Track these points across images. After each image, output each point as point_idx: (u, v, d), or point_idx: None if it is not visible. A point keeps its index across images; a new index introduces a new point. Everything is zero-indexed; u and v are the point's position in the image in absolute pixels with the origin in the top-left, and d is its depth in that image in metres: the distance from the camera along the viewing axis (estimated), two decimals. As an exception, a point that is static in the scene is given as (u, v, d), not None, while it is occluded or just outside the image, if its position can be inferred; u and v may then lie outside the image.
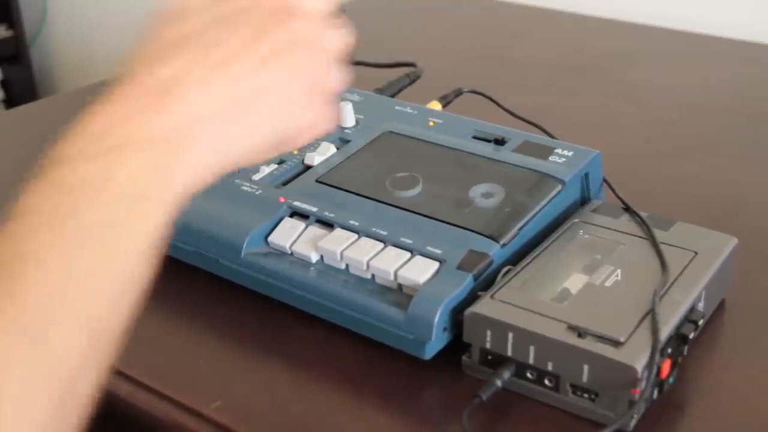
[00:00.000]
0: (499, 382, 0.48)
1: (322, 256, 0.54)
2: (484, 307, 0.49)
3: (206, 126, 0.38)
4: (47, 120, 0.86)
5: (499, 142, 0.62)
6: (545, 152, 0.60)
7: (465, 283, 0.50)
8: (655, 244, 0.54)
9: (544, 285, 0.51)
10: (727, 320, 0.55)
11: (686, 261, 0.53)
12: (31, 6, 1.83)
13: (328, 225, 0.56)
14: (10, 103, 1.85)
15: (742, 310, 0.56)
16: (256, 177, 0.60)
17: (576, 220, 0.57)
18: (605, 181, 0.62)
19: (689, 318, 0.50)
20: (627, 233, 0.56)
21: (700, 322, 0.50)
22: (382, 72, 0.87)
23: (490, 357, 0.49)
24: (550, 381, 0.48)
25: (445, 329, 0.50)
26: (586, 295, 0.50)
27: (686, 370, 0.51)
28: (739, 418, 0.48)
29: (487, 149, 0.61)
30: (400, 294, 0.52)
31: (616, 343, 0.46)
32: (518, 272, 0.52)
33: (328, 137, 0.64)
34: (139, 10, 1.66)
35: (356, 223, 0.55)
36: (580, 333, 0.47)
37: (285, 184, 0.60)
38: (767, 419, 0.48)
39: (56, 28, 1.84)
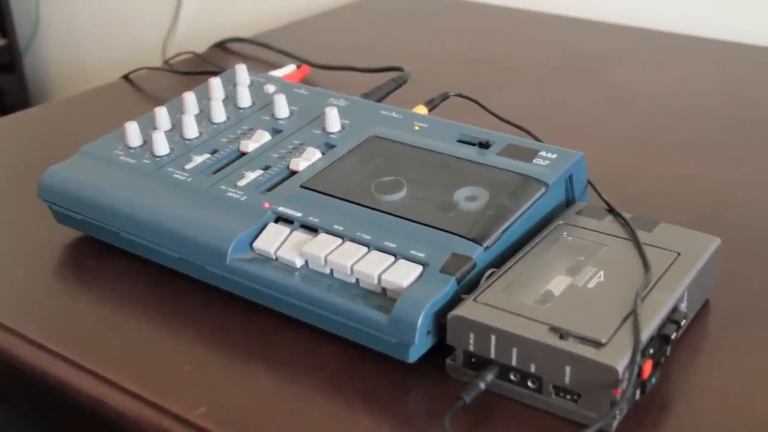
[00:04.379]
0: (482, 385, 0.48)
1: (306, 261, 0.54)
2: (467, 310, 0.49)
3: None
4: (41, 127, 0.86)
5: (484, 145, 0.62)
6: (529, 155, 0.60)
7: (448, 286, 0.51)
8: (638, 245, 0.54)
9: (527, 287, 0.51)
10: (711, 321, 0.55)
11: (669, 261, 0.53)
12: (24, 14, 1.83)
13: (313, 230, 0.56)
14: (4, 111, 1.85)
15: (726, 311, 0.56)
16: (241, 183, 0.60)
17: (560, 222, 0.57)
18: (589, 182, 0.62)
19: (671, 318, 0.50)
20: (610, 234, 0.56)
21: (683, 323, 0.50)
22: (369, 76, 0.88)
23: (473, 359, 0.50)
24: (533, 382, 0.48)
25: (428, 332, 0.50)
26: (568, 296, 0.50)
27: (669, 370, 0.51)
28: (723, 419, 0.48)
29: (471, 153, 0.61)
30: (384, 298, 0.52)
31: (598, 344, 0.46)
32: (501, 275, 0.52)
33: (313, 142, 0.64)
34: (130, 19, 1.67)
35: (341, 228, 0.55)
36: (562, 335, 0.47)
37: (270, 189, 0.60)
38: (751, 420, 0.48)
39: (49, 37, 1.84)
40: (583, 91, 0.90)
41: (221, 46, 1.06)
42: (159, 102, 0.89)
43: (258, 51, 1.02)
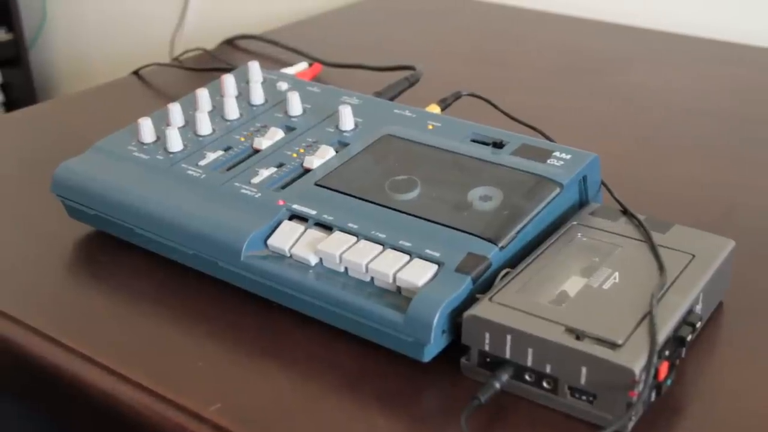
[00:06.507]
0: (497, 385, 0.48)
1: (321, 259, 0.55)
2: (482, 309, 0.49)
3: None
4: (52, 122, 0.86)
5: (498, 145, 0.62)
6: (543, 155, 0.60)
7: (463, 285, 0.51)
8: (652, 247, 0.54)
9: (542, 287, 0.51)
10: (725, 323, 0.55)
11: (684, 263, 0.53)
12: (30, 9, 1.83)
13: (327, 228, 0.56)
14: (10, 105, 1.85)
15: (740, 313, 0.56)
16: (256, 180, 0.60)
17: (574, 222, 0.57)
18: (603, 183, 0.62)
19: (687, 320, 0.50)
20: (625, 236, 0.56)
21: (698, 325, 0.50)
22: (382, 75, 0.88)
23: (488, 359, 0.50)
24: (548, 383, 0.48)
25: (443, 332, 0.50)
26: (584, 297, 0.50)
27: (684, 372, 0.51)
28: (737, 421, 0.48)
29: (485, 152, 0.61)
30: (398, 296, 0.52)
31: (614, 346, 0.46)
32: (516, 275, 0.52)
33: (327, 140, 0.64)
34: (138, 15, 1.67)
35: (355, 226, 0.55)
36: (578, 335, 0.47)
37: (284, 187, 0.60)
38: (764, 421, 0.48)
39: (55, 31, 1.84)
40: (593, 91, 0.90)
41: (231, 43, 1.06)
42: (169, 98, 0.89)
43: (268, 48, 1.02)
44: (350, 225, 0.55)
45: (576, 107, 0.86)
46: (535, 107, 0.83)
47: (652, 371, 0.45)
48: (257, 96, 0.70)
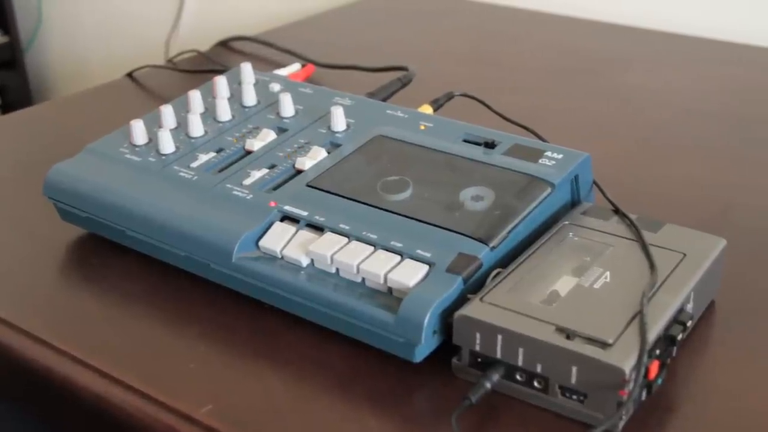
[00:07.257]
0: (488, 384, 0.48)
1: (312, 260, 0.55)
2: (473, 309, 0.49)
3: None
4: (45, 125, 0.86)
5: (490, 145, 0.62)
6: (535, 155, 0.60)
7: (455, 286, 0.51)
8: (644, 246, 0.54)
9: (533, 287, 0.51)
10: (716, 322, 0.56)
11: (675, 262, 0.53)
12: (26, 11, 1.83)
13: (319, 229, 0.56)
14: (5, 108, 1.85)
15: (731, 312, 0.56)
16: (247, 181, 0.60)
17: (566, 222, 0.57)
18: (595, 183, 0.62)
19: (678, 319, 0.50)
20: (616, 235, 0.56)
21: (689, 324, 0.50)
22: (374, 76, 0.88)
23: (479, 359, 0.50)
24: (539, 383, 0.48)
25: (434, 332, 0.50)
26: (575, 297, 0.50)
27: (675, 371, 0.51)
28: (728, 420, 0.48)
29: (477, 152, 0.61)
30: (390, 297, 0.52)
31: (605, 345, 0.46)
32: (508, 275, 0.52)
33: (319, 141, 0.64)
34: (133, 17, 1.66)
35: (346, 227, 0.55)
36: (569, 335, 0.47)
37: (276, 188, 0.60)
38: (756, 420, 0.48)
39: (51, 34, 1.84)
40: (587, 91, 0.90)
41: (225, 44, 1.06)
42: (163, 100, 0.89)
43: (262, 50, 1.02)
44: (342, 226, 0.55)
45: (574, 108, 0.86)
46: (532, 108, 0.83)
47: (643, 370, 0.45)
48: (249, 97, 0.70)
